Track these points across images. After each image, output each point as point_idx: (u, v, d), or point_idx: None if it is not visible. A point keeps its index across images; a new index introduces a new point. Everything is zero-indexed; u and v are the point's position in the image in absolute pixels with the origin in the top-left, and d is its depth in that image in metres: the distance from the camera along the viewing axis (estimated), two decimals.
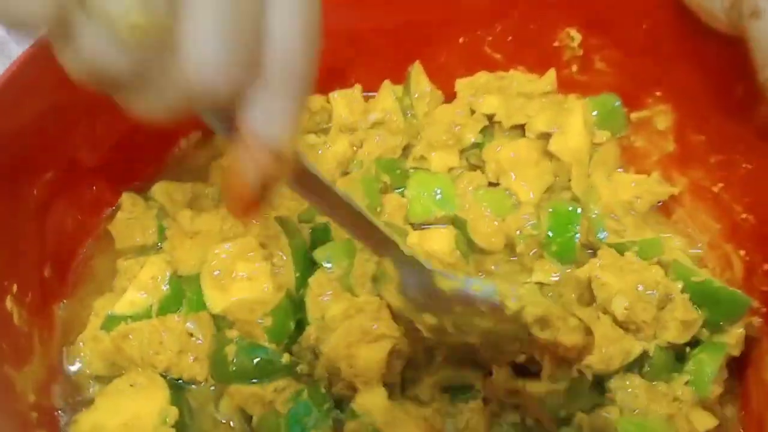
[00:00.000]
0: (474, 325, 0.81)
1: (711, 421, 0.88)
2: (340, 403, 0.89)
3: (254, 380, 0.88)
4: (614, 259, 0.96)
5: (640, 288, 0.91)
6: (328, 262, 0.95)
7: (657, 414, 0.86)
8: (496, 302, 0.80)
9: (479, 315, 0.81)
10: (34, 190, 0.95)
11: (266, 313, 0.89)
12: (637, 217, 1.05)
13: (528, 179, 1.07)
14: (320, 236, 0.99)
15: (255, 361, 0.88)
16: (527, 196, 1.06)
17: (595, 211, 1.04)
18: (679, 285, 0.92)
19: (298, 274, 0.94)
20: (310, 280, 0.94)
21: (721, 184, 1.01)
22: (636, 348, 0.89)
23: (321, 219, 1.00)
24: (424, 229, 1.05)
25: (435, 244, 0.99)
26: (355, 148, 1.11)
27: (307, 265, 0.96)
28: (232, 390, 0.88)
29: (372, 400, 0.85)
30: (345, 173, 1.09)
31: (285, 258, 0.94)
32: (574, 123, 1.06)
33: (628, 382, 0.89)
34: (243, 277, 0.90)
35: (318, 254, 0.96)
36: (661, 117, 1.07)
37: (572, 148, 1.06)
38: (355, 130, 1.13)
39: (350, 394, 0.87)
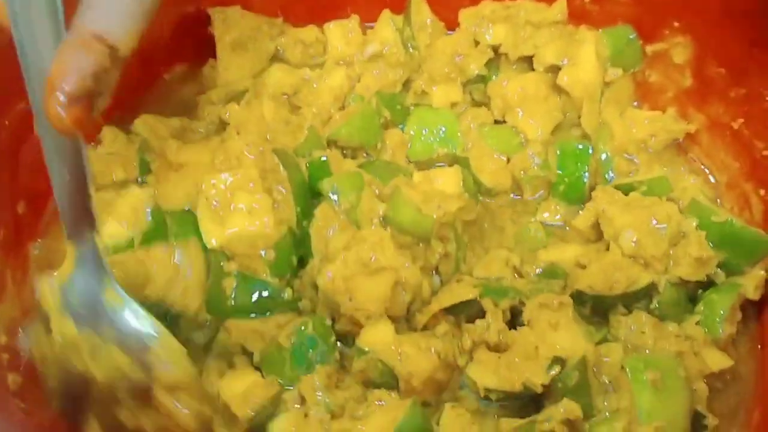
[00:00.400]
0: (108, 358, 0.70)
1: (725, 361, 0.84)
2: (346, 340, 0.85)
3: (253, 315, 0.84)
4: (612, 197, 0.91)
5: (653, 222, 0.87)
6: (334, 194, 0.89)
7: (665, 351, 0.82)
8: (145, 342, 0.70)
9: (121, 348, 0.70)
10: (5, 120, 0.87)
11: (269, 247, 0.84)
12: (651, 155, 0.99)
13: (536, 116, 1.00)
14: (318, 171, 0.92)
15: (255, 296, 0.83)
16: (535, 133, 1.00)
17: (605, 153, 0.98)
18: (694, 221, 0.87)
19: (298, 209, 0.88)
20: (316, 211, 0.88)
21: (741, 120, 0.96)
22: (643, 278, 0.85)
23: (318, 153, 0.94)
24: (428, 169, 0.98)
25: (442, 186, 0.93)
26: (352, 82, 1.04)
27: (308, 201, 0.90)
28: (230, 325, 0.83)
29: (378, 336, 0.80)
30: (341, 108, 1.03)
31: (285, 192, 0.87)
32: (586, 55, 1.00)
33: (633, 319, 0.85)
34: (242, 209, 0.84)
35: (324, 185, 0.90)
36: (679, 49, 1.01)
37: (583, 82, 1.00)
38: (352, 63, 1.06)
39: (355, 330, 0.82)
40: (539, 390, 0.78)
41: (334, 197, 0.89)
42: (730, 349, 0.87)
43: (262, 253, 0.83)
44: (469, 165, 0.98)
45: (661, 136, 0.99)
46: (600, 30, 1.02)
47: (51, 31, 0.60)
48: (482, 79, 1.05)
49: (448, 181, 0.93)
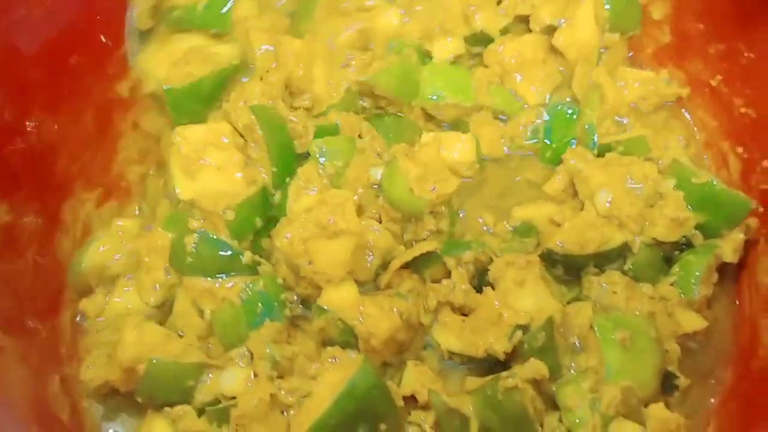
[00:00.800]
0: None
1: (699, 322, 0.83)
2: (307, 303, 0.83)
3: (210, 276, 0.82)
4: (583, 157, 0.89)
5: (629, 182, 0.85)
6: (323, 156, 0.87)
7: (636, 311, 0.81)
8: None
9: None
10: None
11: (230, 207, 0.82)
12: (641, 116, 0.96)
13: (535, 80, 0.97)
14: (325, 134, 0.89)
15: (213, 255, 0.82)
16: (535, 99, 0.97)
17: (589, 123, 0.94)
18: (672, 182, 0.85)
19: (275, 169, 0.86)
20: (299, 170, 0.86)
21: (720, 77, 0.94)
22: (616, 237, 0.84)
23: (334, 116, 0.91)
24: (442, 129, 0.96)
25: (458, 156, 0.89)
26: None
27: (290, 161, 0.88)
28: (187, 282, 0.83)
29: (340, 296, 0.79)
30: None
31: (261, 150, 0.86)
32: (584, 15, 0.95)
33: (606, 279, 0.83)
34: (212, 165, 0.84)
35: (314, 145, 0.87)
36: (658, 4, 0.98)
37: (579, 44, 0.95)
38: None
39: (315, 294, 0.81)
40: (501, 357, 0.78)
41: (322, 159, 0.86)
42: (705, 310, 0.86)
43: (223, 212, 0.82)
44: (469, 130, 0.95)
45: (651, 100, 0.96)
46: None
47: None
48: (484, 40, 1.00)
49: (464, 148, 0.89)
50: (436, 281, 0.83)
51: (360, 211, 0.84)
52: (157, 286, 0.84)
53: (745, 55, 0.89)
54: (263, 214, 0.86)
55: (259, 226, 0.85)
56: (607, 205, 0.85)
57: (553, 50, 0.98)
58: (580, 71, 0.97)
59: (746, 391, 0.82)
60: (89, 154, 0.94)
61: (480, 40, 1.00)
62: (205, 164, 0.85)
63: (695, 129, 0.97)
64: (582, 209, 0.87)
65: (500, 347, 0.77)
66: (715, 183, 0.85)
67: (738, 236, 0.86)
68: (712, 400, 0.84)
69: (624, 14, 0.97)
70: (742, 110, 0.91)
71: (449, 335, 0.80)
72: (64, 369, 0.84)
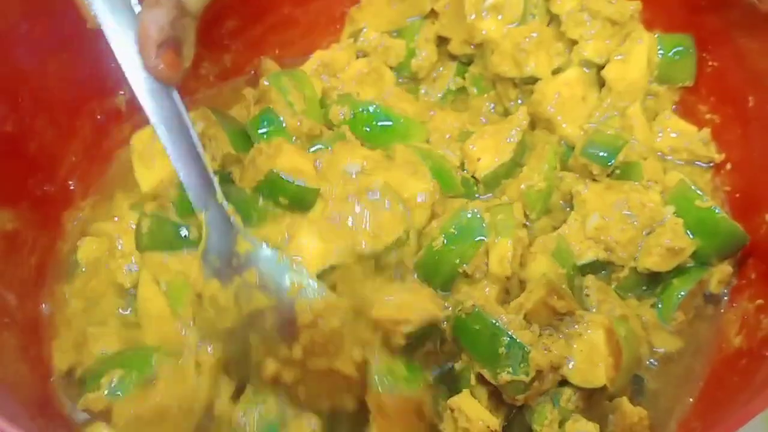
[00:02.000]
0: (252, 298, 0.73)
1: (673, 343, 0.85)
2: None
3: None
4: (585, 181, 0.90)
5: (625, 211, 0.85)
6: None
7: (609, 311, 0.82)
8: (282, 283, 0.73)
9: (263, 290, 0.73)
10: None
11: (171, 184, 0.87)
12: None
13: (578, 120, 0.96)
14: None
15: (165, 234, 0.87)
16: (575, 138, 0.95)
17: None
18: (671, 208, 0.84)
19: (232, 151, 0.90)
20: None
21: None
22: (587, 253, 0.85)
23: None
24: None
25: None
26: None
27: (246, 145, 0.92)
28: (146, 257, 0.88)
29: None
30: None
31: (219, 133, 0.91)
32: (638, 55, 0.95)
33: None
34: (162, 150, 0.87)
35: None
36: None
37: (630, 80, 0.95)
38: None
39: None
40: None
41: None
42: (686, 330, 0.86)
43: (166, 189, 0.87)
44: None
45: (681, 154, 0.95)
46: (656, 34, 0.98)
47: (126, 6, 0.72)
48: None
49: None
50: None
51: None
52: (132, 268, 0.89)
53: None
54: None
55: None
56: (595, 230, 0.85)
57: (593, 86, 0.98)
58: (614, 104, 0.96)
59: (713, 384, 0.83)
60: (86, 163, 0.99)
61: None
62: (156, 151, 0.90)
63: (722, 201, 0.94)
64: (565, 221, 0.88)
65: None
66: (716, 210, 0.84)
67: (727, 268, 0.86)
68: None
69: (674, 65, 0.97)
70: None
71: None
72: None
